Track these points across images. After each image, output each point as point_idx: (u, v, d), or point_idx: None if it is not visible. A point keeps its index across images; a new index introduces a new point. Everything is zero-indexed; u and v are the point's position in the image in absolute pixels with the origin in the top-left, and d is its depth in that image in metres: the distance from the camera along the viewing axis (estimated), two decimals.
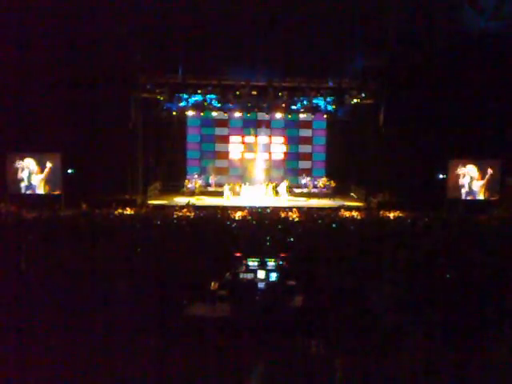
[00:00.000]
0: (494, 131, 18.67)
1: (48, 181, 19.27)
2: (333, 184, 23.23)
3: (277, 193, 22.26)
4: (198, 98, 21.55)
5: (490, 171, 19.77)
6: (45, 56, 18.11)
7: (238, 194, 22.29)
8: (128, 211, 16.86)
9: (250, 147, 25.01)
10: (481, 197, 19.80)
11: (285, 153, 25.33)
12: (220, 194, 21.97)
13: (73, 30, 18.29)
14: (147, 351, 3.73)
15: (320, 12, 18.72)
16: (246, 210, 17.00)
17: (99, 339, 3.97)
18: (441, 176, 20.01)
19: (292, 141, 25.36)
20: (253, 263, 6.66)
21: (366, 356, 3.68)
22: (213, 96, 21.41)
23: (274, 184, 22.92)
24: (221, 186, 22.71)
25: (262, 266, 6.58)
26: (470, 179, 19.82)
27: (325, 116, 23.78)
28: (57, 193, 19.21)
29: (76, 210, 16.96)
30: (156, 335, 3.99)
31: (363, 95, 21.18)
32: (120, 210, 16.75)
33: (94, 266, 6.10)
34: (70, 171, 19.33)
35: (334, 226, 12.14)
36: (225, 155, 25.23)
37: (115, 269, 5.83)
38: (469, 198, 19.78)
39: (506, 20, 18.90)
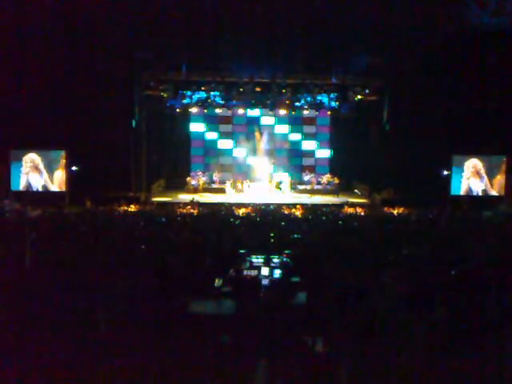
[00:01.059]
0: (499, 127, 18.58)
1: (52, 178, 19.31)
2: (336, 180, 23.17)
3: (280, 189, 22.23)
4: (201, 94, 21.55)
5: (494, 167, 19.68)
6: (47, 53, 18.13)
7: (241, 190, 22.29)
8: (132, 208, 16.90)
9: (253, 144, 24.95)
10: (486, 193, 19.71)
11: (288, 149, 25.27)
12: (224, 191, 22.03)
13: (76, 26, 18.31)
14: (149, 348, 3.73)
15: (324, 8, 18.67)
16: (250, 207, 16.99)
17: (101, 336, 3.98)
18: (445, 172, 19.93)
19: (295, 137, 25.29)
20: (257, 260, 6.65)
21: (369, 354, 3.67)
22: (216, 93, 21.40)
23: (277, 181, 22.89)
24: (224, 182, 22.73)
25: (266, 262, 6.57)
26: (475, 175, 19.72)
27: (328, 112, 23.67)
28: (61, 190, 19.24)
29: (80, 207, 17.01)
30: (158, 332, 3.99)
31: (367, 91, 21.10)
32: (124, 207, 16.81)
33: (97, 263, 6.11)
34: (74, 168, 19.36)
35: (340, 222, 12.10)
36: (228, 152, 25.20)
37: (119, 266, 5.84)
38: (473, 194, 19.69)
39: (509, 16, 18.81)
